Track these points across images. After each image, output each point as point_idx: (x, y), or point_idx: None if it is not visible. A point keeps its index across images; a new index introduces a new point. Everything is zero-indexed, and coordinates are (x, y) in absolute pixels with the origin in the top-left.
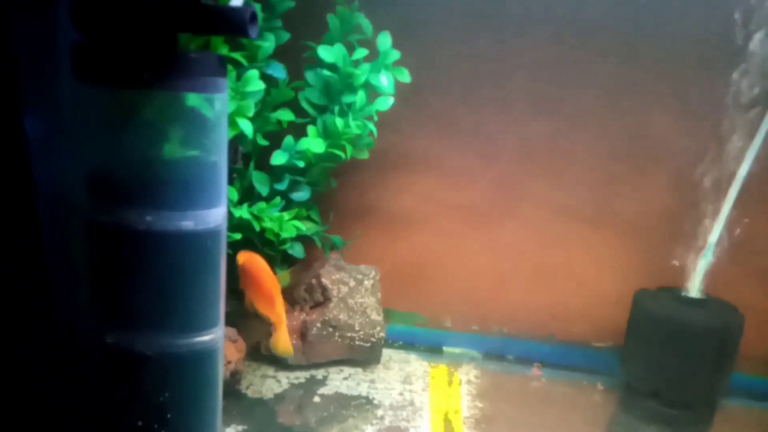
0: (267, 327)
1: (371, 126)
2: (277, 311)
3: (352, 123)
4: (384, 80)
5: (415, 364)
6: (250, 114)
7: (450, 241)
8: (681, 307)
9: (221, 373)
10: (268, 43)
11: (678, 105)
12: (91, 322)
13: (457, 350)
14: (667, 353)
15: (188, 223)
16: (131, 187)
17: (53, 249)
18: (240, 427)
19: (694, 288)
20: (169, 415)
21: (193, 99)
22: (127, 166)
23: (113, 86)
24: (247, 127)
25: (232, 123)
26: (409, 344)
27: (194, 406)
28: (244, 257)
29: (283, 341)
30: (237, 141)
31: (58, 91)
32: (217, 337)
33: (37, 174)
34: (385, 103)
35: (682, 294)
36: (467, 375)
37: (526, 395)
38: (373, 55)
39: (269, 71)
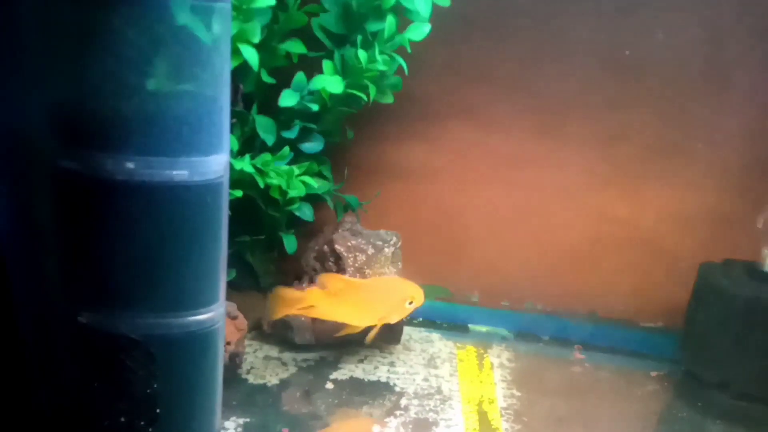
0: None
1: (401, 60)
2: None
3: (378, 56)
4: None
5: (439, 344)
6: (256, 40)
7: (480, 205)
8: (760, 283)
9: (221, 358)
10: None
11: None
12: (59, 299)
13: (484, 328)
14: (741, 338)
15: (181, 172)
16: (106, 125)
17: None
18: (241, 420)
19: None
20: (158, 410)
21: (185, 14)
22: (100, 97)
23: None
24: (251, 55)
25: (234, 51)
26: (430, 321)
27: (188, 398)
28: None
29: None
30: (237, 77)
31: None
32: (216, 315)
33: None
34: (420, 31)
35: (758, 268)
36: (499, 358)
37: (569, 383)
38: None
39: None
